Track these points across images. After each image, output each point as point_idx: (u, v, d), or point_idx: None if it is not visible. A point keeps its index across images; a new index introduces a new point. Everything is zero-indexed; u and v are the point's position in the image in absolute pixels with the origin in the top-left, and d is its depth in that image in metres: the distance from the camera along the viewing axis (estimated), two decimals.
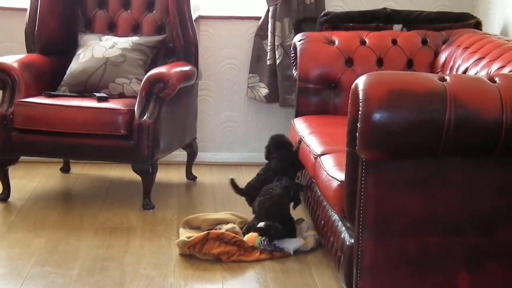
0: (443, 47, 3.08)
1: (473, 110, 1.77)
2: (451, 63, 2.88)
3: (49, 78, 3.22)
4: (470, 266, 1.92)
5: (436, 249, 1.91)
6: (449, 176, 1.88)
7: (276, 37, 3.50)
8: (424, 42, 3.14)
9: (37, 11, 3.26)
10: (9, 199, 3.07)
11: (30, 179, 3.36)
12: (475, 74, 2.53)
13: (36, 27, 3.26)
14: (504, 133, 1.78)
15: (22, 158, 3.11)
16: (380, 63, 3.11)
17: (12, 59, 3.10)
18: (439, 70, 3.00)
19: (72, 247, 2.58)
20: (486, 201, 1.90)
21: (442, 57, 3.03)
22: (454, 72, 2.80)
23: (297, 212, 2.77)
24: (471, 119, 1.77)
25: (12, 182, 3.10)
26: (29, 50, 3.30)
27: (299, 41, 3.13)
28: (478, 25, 3.25)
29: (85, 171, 3.53)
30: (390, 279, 1.93)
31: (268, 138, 2.95)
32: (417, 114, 1.77)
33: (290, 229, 2.59)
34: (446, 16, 3.32)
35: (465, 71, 2.67)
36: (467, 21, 3.25)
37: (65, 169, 3.51)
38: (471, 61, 2.65)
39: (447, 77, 1.85)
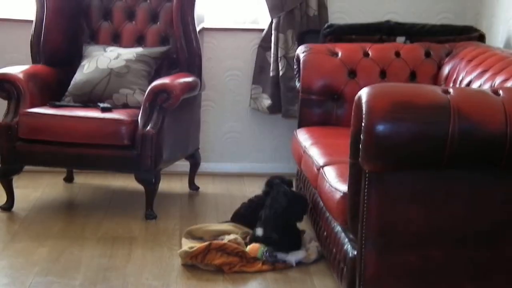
0: (447, 59, 3.08)
1: (477, 123, 1.77)
2: (455, 76, 2.88)
3: (53, 88, 3.24)
4: (474, 279, 1.91)
5: (440, 262, 1.90)
6: (453, 188, 1.88)
7: (279, 48, 3.52)
8: (428, 54, 3.15)
9: (42, 23, 3.29)
10: (13, 209, 3.07)
11: (34, 188, 3.37)
12: (479, 86, 2.54)
13: (42, 39, 3.29)
14: (508, 146, 1.78)
15: (26, 167, 3.11)
16: (383, 75, 3.12)
17: (18, 70, 3.12)
18: (442, 83, 3.01)
19: (74, 256, 2.58)
20: (490, 214, 1.89)
21: (446, 70, 3.03)
22: (457, 85, 2.80)
23: (300, 224, 2.76)
24: (475, 132, 1.77)
25: (16, 192, 3.11)
26: (34, 61, 3.32)
27: (303, 52, 3.15)
28: (481, 38, 3.26)
29: (88, 181, 3.54)
30: None
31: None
32: (420, 126, 1.78)
33: (295, 241, 2.58)
34: (450, 29, 3.33)
35: (468, 84, 2.67)
36: (471, 34, 3.26)
37: (69, 179, 3.52)
38: (474, 74, 2.65)
39: (451, 90, 1.86)
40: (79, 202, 3.29)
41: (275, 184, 2.71)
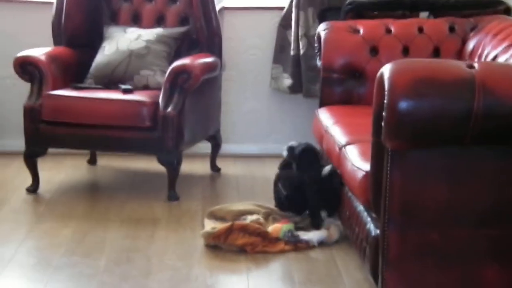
0: (471, 34, 3.01)
1: (502, 98, 1.73)
2: (480, 51, 2.81)
3: (75, 70, 3.26)
4: (497, 258, 1.88)
5: (462, 240, 1.88)
6: (476, 165, 1.84)
7: (300, 27, 3.48)
8: (452, 29, 3.08)
9: (63, 4, 3.30)
10: (38, 191, 3.12)
11: (58, 170, 3.42)
12: (505, 61, 2.47)
13: (63, 20, 3.30)
14: None
15: (50, 150, 3.15)
16: (405, 51, 3.06)
17: (40, 52, 3.14)
18: (467, 58, 2.94)
19: (99, 237, 2.62)
20: None
21: (470, 45, 2.96)
22: (482, 60, 2.73)
23: None
24: (500, 107, 1.73)
25: (41, 174, 3.15)
26: (56, 43, 3.34)
27: (323, 30, 3.10)
28: (507, 11, 3.17)
29: (111, 163, 3.57)
30: (416, 270, 1.90)
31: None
32: (444, 102, 1.74)
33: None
34: (474, 2, 3.24)
35: (494, 59, 2.60)
36: (496, 8, 3.17)
37: (92, 161, 3.55)
38: (500, 48, 2.58)
39: (476, 64, 1.81)
40: (103, 184, 3.32)
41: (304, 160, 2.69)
